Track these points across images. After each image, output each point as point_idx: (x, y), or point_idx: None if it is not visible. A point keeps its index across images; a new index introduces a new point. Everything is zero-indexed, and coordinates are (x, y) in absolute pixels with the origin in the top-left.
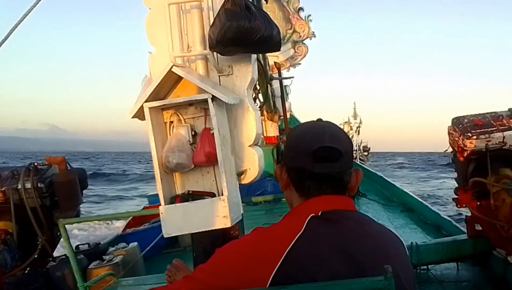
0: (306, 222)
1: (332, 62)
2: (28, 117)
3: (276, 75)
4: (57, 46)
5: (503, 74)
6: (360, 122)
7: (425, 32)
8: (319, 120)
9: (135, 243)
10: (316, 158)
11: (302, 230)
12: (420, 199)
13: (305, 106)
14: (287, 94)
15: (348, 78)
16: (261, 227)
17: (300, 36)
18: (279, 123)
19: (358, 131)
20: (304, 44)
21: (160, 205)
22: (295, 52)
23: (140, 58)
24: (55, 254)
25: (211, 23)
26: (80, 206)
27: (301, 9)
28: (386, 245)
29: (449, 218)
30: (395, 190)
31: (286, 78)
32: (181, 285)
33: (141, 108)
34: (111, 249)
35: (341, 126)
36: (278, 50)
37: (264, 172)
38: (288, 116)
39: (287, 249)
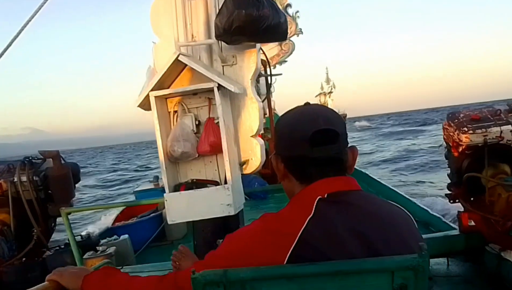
0: (315, 204)
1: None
2: (9, 123)
3: (262, 72)
4: (32, 48)
5: (478, 24)
6: (333, 86)
7: None
8: (307, 104)
9: (126, 235)
10: (314, 143)
11: (312, 213)
12: (407, 196)
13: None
14: (271, 92)
15: (320, 43)
16: (269, 213)
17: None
18: (263, 121)
19: (330, 94)
20: (291, 41)
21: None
22: (282, 49)
23: (117, 57)
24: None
25: (216, 12)
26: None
27: (288, 5)
28: (398, 222)
29: (438, 215)
30: (381, 187)
31: (273, 75)
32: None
33: (146, 98)
34: (103, 241)
35: (317, 99)
36: (285, 39)
37: None
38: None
39: (300, 232)
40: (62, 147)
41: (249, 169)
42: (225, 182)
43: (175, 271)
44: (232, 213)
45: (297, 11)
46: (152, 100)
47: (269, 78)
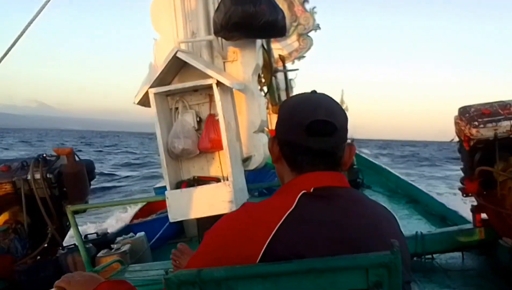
0: (298, 198)
1: (323, 48)
2: (15, 93)
3: (281, 68)
4: (46, 19)
5: (488, 63)
6: (347, 109)
7: (419, 20)
8: (314, 92)
9: (142, 233)
10: (310, 132)
11: (293, 207)
12: (425, 190)
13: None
14: (292, 88)
15: (337, 63)
16: (250, 203)
17: (305, 28)
18: None
19: None
20: (309, 36)
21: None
22: (300, 44)
23: (134, 38)
24: (64, 243)
25: (215, 8)
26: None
27: (306, 1)
28: (380, 222)
29: (454, 209)
30: (400, 181)
31: (290, 70)
32: None
33: (146, 94)
34: (118, 238)
35: None
36: (283, 35)
37: (270, 163)
38: None
39: (276, 227)
40: (69, 126)
41: (252, 165)
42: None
43: (175, 269)
44: (234, 209)
45: (315, 7)
46: (152, 97)
47: (286, 73)
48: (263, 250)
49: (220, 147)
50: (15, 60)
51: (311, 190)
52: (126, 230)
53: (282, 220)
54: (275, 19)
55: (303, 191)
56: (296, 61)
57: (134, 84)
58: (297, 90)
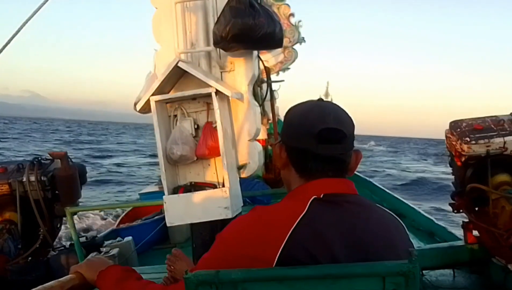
0: (309, 203)
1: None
2: (11, 83)
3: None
4: (44, 11)
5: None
6: (331, 101)
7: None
8: (320, 100)
9: (130, 238)
10: (320, 140)
11: (305, 211)
12: (411, 205)
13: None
14: (275, 99)
15: (323, 56)
16: (261, 207)
17: (290, 41)
18: (267, 127)
19: None
20: (294, 49)
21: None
22: (285, 56)
23: (130, 29)
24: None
25: (214, 21)
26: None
27: (291, 15)
28: (389, 229)
29: (443, 225)
30: (385, 195)
31: (276, 81)
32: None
33: (147, 102)
34: (106, 242)
35: None
36: (280, 47)
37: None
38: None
39: (290, 231)
40: (59, 115)
41: (247, 172)
42: (223, 185)
43: (170, 274)
44: (230, 216)
45: (300, 20)
46: (153, 105)
47: (270, 84)
48: (278, 253)
49: (216, 153)
50: (11, 51)
51: (321, 196)
52: (113, 234)
53: (295, 223)
54: (273, 31)
55: (314, 197)
56: (281, 72)
57: (127, 78)
58: (280, 99)
